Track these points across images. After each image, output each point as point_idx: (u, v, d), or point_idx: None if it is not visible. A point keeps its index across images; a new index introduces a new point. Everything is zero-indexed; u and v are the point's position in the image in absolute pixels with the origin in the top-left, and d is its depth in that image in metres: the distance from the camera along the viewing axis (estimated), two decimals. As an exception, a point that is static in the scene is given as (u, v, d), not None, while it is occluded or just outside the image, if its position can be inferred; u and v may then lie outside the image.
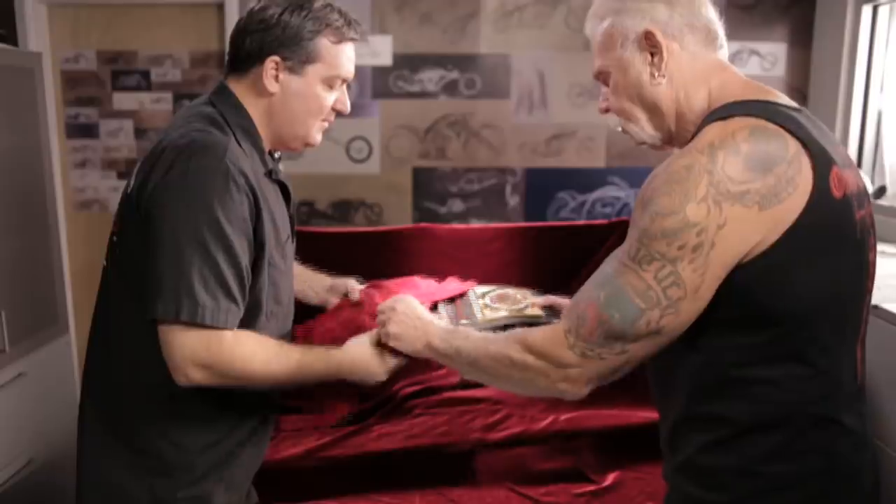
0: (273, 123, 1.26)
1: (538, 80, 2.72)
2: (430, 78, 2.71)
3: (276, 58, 1.21)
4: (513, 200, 2.79)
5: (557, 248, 1.89)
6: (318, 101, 1.25)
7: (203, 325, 1.10)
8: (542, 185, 2.78)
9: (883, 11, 2.47)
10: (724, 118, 0.92)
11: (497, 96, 2.73)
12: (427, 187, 2.78)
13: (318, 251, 1.73)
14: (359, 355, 1.26)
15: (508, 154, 2.77)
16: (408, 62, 2.71)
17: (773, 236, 0.86)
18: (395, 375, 1.29)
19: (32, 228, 2.23)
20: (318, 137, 1.30)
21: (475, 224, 2.70)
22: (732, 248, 0.86)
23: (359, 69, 2.70)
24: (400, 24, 2.68)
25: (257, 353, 1.17)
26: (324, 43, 1.23)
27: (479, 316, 1.42)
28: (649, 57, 1.01)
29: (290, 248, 1.34)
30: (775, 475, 0.94)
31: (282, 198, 1.31)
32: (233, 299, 1.13)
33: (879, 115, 2.52)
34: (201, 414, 1.25)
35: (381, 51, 2.70)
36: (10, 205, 2.10)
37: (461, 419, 1.75)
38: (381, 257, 1.69)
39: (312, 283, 1.57)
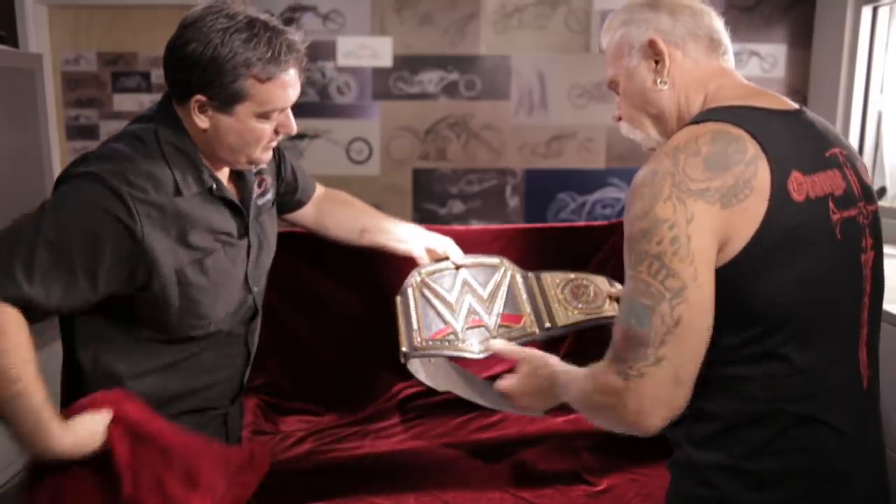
0: (212, 151, 1.23)
1: (538, 81, 2.73)
2: (431, 79, 2.72)
3: (201, 97, 1.15)
4: (513, 202, 2.79)
5: (557, 249, 1.88)
6: (253, 133, 1.20)
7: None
8: (542, 186, 2.79)
9: (883, 12, 2.47)
10: (697, 123, 0.97)
11: (497, 97, 2.73)
12: (427, 189, 2.78)
13: (318, 252, 1.73)
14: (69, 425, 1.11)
15: (508, 155, 2.77)
16: (408, 63, 2.71)
17: (740, 239, 0.90)
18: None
19: (33, 230, 2.23)
20: (265, 157, 1.27)
21: (475, 225, 2.70)
22: (708, 240, 0.90)
23: (359, 70, 2.71)
24: (400, 25, 2.68)
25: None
26: (249, 83, 1.15)
27: (557, 319, 1.50)
28: (653, 64, 1.06)
29: (224, 260, 1.30)
30: (762, 472, 0.96)
31: (229, 214, 1.29)
32: (29, 285, 1.09)
33: (879, 115, 2.52)
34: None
35: (382, 52, 2.70)
36: (10, 206, 2.11)
37: (458, 421, 1.75)
38: (380, 258, 1.69)
39: (403, 237, 1.62)
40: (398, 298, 1.61)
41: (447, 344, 1.47)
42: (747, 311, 0.93)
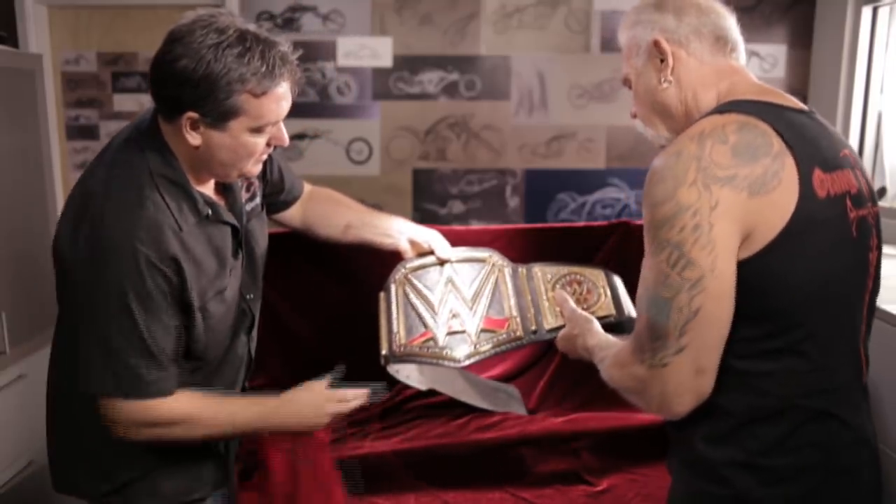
0: (203, 167, 1.22)
1: (538, 81, 2.73)
2: (431, 79, 2.72)
3: (193, 114, 1.12)
4: (513, 202, 2.79)
5: (557, 249, 1.88)
6: (246, 148, 1.18)
7: (129, 397, 1.16)
8: (543, 186, 2.79)
9: (883, 12, 2.47)
10: (720, 113, 0.98)
11: (497, 98, 2.73)
12: (427, 189, 2.78)
13: (319, 252, 1.73)
14: (300, 402, 1.31)
15: (508, 155, 2.77)
16: (408, 63, 2.71)
17: (767, 231, 0.90)
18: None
19: (33, 230, 2.23)
20: (256, 170, 1.26)
21: (475, 225, 2.70)
22: (732, 229, 0.90)
23: (359, 70, 2.71)
24: (400, 25, 2.68)
25: (192, 415, 1.22)
26: (244, 98, 1.12)
27: (545, 321, 1.46)
28: (658, 63, 1.08)
29: (233, 283, 1.32)
30: (775, 468, 0.97)
31: (231, 236, 1.29)
32: (152, 369, 1.17)
33: (879, 116, 2.52)
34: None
35: (382, 52, 2.70)
36: (10, 206, 2.11)
37: (458, 421, 1.75)
38: (381, 257, 1.69)
39: (388, 231, 1.61)
40: (381, 294, 1.58)
41: (426, 350, 1.45)
42: (767, 306, 0.93)
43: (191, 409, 1.22)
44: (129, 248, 1.11)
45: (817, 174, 0.93)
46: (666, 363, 0.93)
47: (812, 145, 0.96)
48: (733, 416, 0.97)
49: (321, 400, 1.31)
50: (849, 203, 0.97)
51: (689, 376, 0.93)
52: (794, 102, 1.03)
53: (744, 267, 0.91)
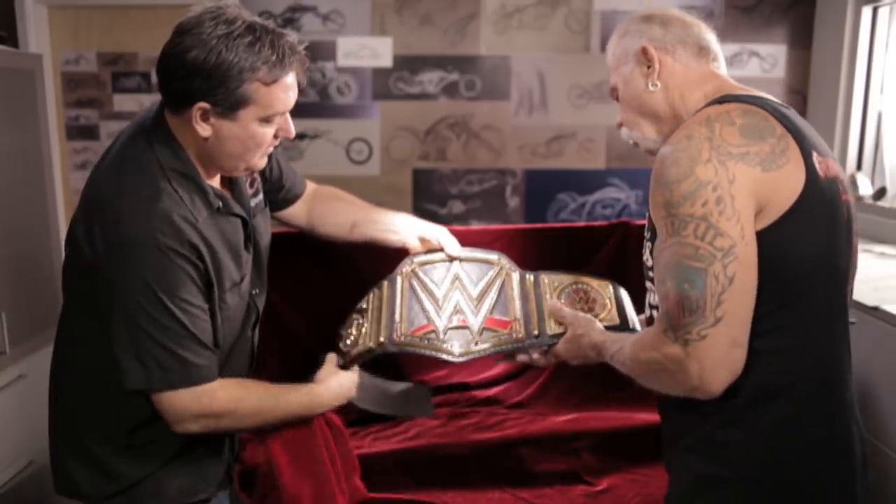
0: (211, 160, 1.22)
1: (538, 81, 2.73)
2: (431, 79, 2.72)
3: (204, 104, 1.13)
4: (513, 202, 2.80)
5: (557, 249, 1.88)
6: (255, 139, 1.19)
7: (180, 386, 1.18)
8: (543, 186, 2.79)
9: (883, 13, 2.47)
10: (720, 102, 1.04)
11: (497, 98, 2.73)
12: (427, 189, 2.78)
13: (320, 252, 1.73)
14: (342, 384, 1.37)
15: (508, 155, 2.77)
16: (408, 64, 2.71)
17: (778, 207, 0.95)
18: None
19: (33, 230, 2.23)
20: (262, 164, 1.27)
21: (475, 226, 2.70)
22: (749, 202, 0.94)
23: (359, 70, 2.72)
24: (400, 25, 2.68)
25: (243, 401, 1.25)
26: (254, 87, 1.13)
27: (547, 327, 1.43)
28: (646, 69, 1.15)
29: (247, 280, 1.33)
30: (783, 449, 0.99)
31: (241, 229, 1.29)
32: (198, 354, 1.18)
33: (879, 116, 2.52)
34: (124, 430, 1.27)
35: (382, 52, 2.70)
36: (10, 206, 2.11)
37: (457, 421, 1.75)
38: (382, 258, 1.69)
39: (395, 227, 1.61)
40: (385, 283, 1.57)
41: (426, 342, 1.44)
42: (773, 281, 0.96)
43: (238, 398, 1.24)
44: (150, 241, 1.12)
45: (815, 156, 0.99)
46: (705, 335, 0.93)
47: (805, 132, 1.01)
48: (744, 395, 0.99)
49: (349, 381, 1.40)
50: (840, 187, 1.02)
51: (726, 349, 0.94)
52: (778, 101, 1.08)
53: (756, 240, 0.95)
